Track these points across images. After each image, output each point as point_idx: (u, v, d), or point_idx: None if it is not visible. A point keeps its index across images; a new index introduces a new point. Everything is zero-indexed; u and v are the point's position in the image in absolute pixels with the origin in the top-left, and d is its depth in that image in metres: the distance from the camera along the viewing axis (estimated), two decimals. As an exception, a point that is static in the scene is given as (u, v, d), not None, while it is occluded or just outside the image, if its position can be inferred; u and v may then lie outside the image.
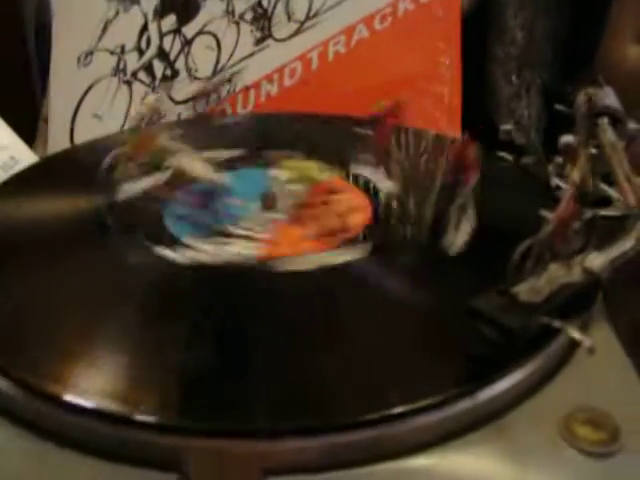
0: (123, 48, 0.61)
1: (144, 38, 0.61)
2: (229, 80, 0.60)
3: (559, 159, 0.51)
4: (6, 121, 0.51)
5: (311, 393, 0.27)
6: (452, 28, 0.59)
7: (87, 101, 0.61)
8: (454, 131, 0.58)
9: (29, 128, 0.60)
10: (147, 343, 0.29)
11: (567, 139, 0.26)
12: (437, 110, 0.59)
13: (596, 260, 0.31)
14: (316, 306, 0.31)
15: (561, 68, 0.70)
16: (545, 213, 0.26)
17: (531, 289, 0.28)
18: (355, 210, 0.39)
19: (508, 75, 0.70)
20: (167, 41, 0.61)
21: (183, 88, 0.61)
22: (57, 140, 0.59)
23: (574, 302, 0.29)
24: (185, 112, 0.60)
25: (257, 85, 0.60)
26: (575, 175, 0.26)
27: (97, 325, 0.30)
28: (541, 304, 0.27)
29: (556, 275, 0.29)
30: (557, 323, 0.26)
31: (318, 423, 0.25)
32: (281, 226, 0.37)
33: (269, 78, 0.60)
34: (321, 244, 0.35)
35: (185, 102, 0.61)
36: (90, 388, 0.26)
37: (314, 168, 0.41)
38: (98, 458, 0.25)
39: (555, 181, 0.50)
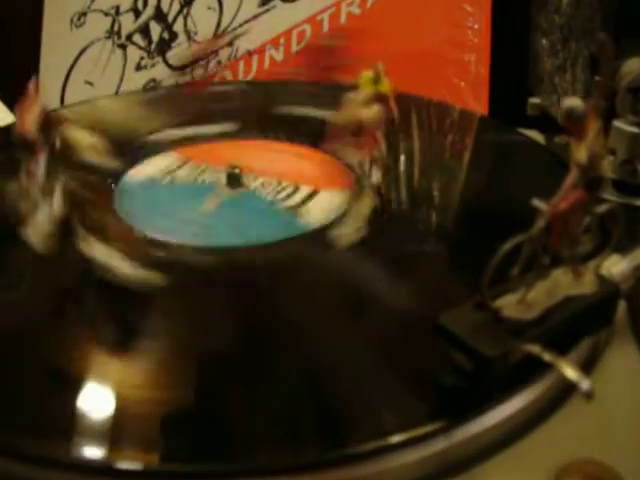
0: (118, 9, 0.56)
1: (140, -3, 0.56)
2: (230, 44, 0.55)
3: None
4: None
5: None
6: (481, -12, 0.52)
7: (79, 66, 0.56)
8: (480, 103, 0.52)
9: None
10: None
11: (572, 103, 0.19)
12: (462, 79, 0.52)
13: (616, 266, 0.24)
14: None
15: (611, 39, 0.63)
16: (538, 203, 0.19)
17: (520, 303, 0.21)
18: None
19: (552, 46, 0.63)
20: (165, 1, 0.55)
21: (181, 52, 0.56)
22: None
23: (581, 322, 0.22)
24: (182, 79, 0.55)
25: (261, 50, 0.54)
26: (581, 153, 0.19)
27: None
28: (532, 323, 0.21)
29: (559, 284, 0.22)
30: (547, 356, 0.19)
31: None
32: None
33: (274, 42, 0.54)
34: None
35: (182, 68, 0.56)
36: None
37: None
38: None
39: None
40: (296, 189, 0.33)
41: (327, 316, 0.25)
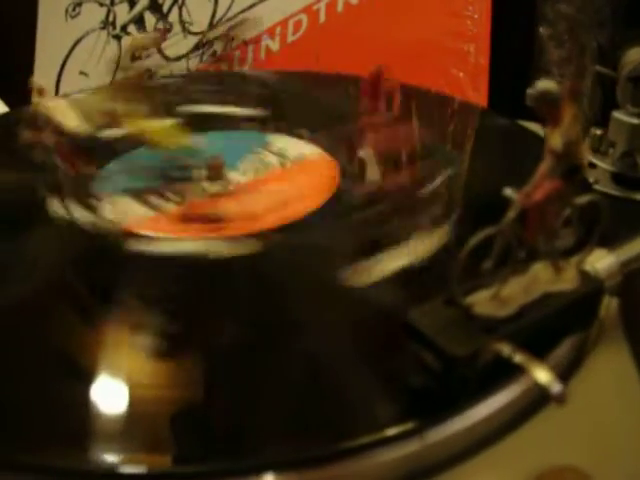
0: (113, -1, 0.55)
1: (135, -13, 0.55)
2: (226, 35, 0.54)
3: (597, 131, 0.43)
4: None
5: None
6: (482, -25, 0.50)
7: (74, 56, 0.56)
8: (479, 93, 0.50)
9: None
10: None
11: (545, 86, 0.18)
12: (460, 70, 0.51)
13: (601, 262, 0.23)
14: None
15: (620, 30, 0.62)
16: (509, 192, 0.18)
17: (494, 299, 0.20)
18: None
19: (559, 37, 0.62)
20: (160, -9, 0.55)
21: (177, 43, 0.55)
22: (41, 99, 0.54)
23: (561, 320, 0.21)
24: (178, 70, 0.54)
25: (257, 40, 0.53)
26: (556, 140, 0.18)
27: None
28: (506, 321, 0.20)
29: (538, 280, 0.21)
30: (518, 357, 0.18)
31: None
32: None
33: (270, 32, 0.53)
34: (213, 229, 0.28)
35: (179, 59, 0.55)
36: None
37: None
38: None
39: (589, 158, 0.42)
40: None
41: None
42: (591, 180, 0.39)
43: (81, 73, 0.56)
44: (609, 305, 0.28)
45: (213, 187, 0.31)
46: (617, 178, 0.39)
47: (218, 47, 0.54)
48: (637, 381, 0.25)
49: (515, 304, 0.20)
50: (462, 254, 0.18)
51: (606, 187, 0.39)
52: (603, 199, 0.21)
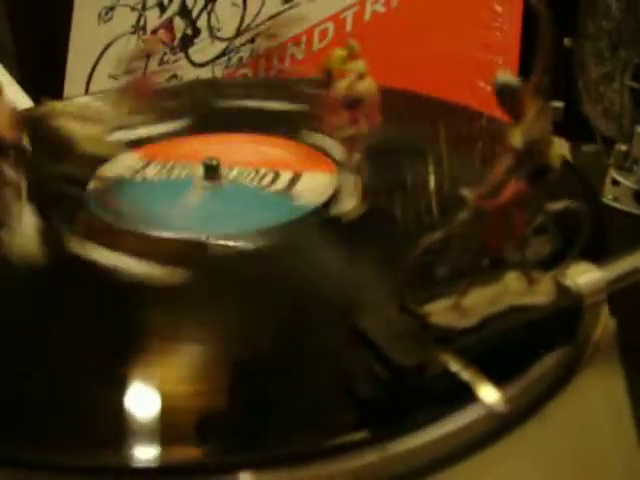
0: (144, 4, 0.56)
1: (167, -7, 0.55)
2: (252, 41, 0.54)
3: (622, 147, 0.41)
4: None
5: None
6: (513, -14, 0.49)
7: (105, 59, 0.57)
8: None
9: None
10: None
11: (505, 79, 0.16)
12: (488, 82, 0.49)
13: (584, 276, 0.21)
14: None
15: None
16: (465, 192, 0.17)
17: (454, 309, 0.19)
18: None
19: (600, 53, 0.60)
20: (190, -3, 0.55)
21: (204, 49, 0.55)
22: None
23: (531, 336, 0.20)
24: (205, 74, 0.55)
25: (282, 47, 0.53)
26: (516, 137, 0.16)
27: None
28: (466, 332, 0.18)
29: (507, 291, 0.20)
30: (465, 373, 0.16)
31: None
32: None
33: (296, 40, 0.52)
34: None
35: (205, 65, 0.55)
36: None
37: None
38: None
39: (613, 175, 0.40)
40: (277, 175, 0.32)
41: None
42: (609, 197, 0.37)
43: (110, 76, 0.56)
44: (606, 326, 0.26)
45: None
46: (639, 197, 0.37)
47: (245, 53, 0.54)
48: (627, 407, 0.24)
49: (477, 315, 0.19)
50: (412, 258, 0.17)
51: (627, 205, 0.37)
52: (584, 207, 0.19)
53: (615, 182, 0.38)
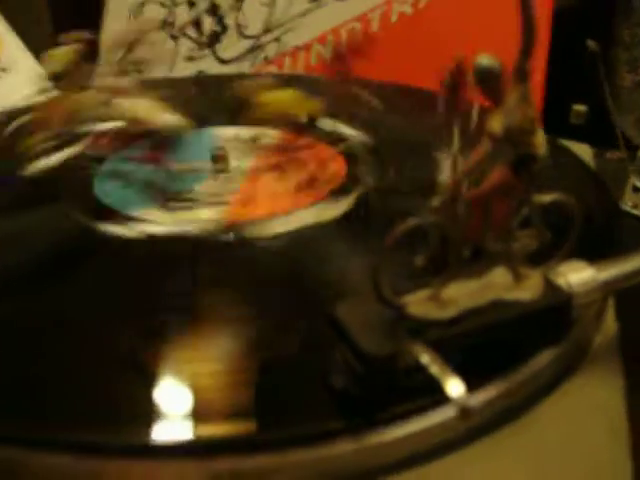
0: (175, 0, 0.56)
1: (196, -11, 0.56)
2: (277, 39, 0.54)
3: (645, 154, 0.39)
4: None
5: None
6: (543, -11, 0.48)
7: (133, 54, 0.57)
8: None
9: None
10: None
11: (487, 62, 0.16)
12: (513, 87, 0.48)
13: (577, 274, 0.20)
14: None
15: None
16: (443, 178, 0.16)
17: (433, 300, 0.18)
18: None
19: (634, 62, 0.59)
20: (219, -6, 0.55)
21: (230, 46, 0.55)
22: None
23: (514, 333, 0.19)
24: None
25: (308, 47, 0.52)
26: (495, 122, 0.16)
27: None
28: (444, 324, 0.18)
29: (492, 285, 0.19)
30: (434, 367, 0.16)
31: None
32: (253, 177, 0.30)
33: (322, 39, 0.52)
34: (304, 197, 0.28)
35: (230, 61, 0.55)
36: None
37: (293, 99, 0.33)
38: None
39: (634, 182, 0.39)
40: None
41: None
42: (629, 204, 0.36)
43: (138, 71, 0.57)
44: (608, 331, 0.25)
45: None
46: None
47: (271, 52, 0.54)
48: (623, 419, 0.23)
49: (456, 307, 0.18)
50: (386, 246, 0.16)
51: (645, 210, 0.35)
52: (574, 200, 0.19)
53: (636, 189, 0.37)
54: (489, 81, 0.16)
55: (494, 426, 0.20)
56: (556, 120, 0.44)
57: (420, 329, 0.18)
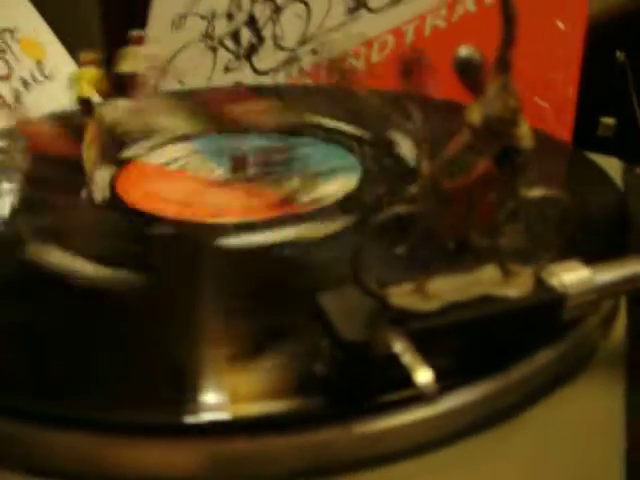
0: (214, 13, 0.58)
1: (235, 3, 0.57)
2: (314, 52, 0.54)
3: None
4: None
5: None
6: (578, 3, 0.48)
7: (173, 66, 0.59)
8: (564, 127, 0.47)
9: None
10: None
11: (467, 53, 0.16)
12: (546, 99, 0.48)
13: (572, 274, 0.20)
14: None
15: None
16: (424, 164, 0.16)
17: (416, 292, 0.18)
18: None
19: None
20: (258, 7, 0.57)
21: (267, 57, 0.56)
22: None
23: (500, 331, 0.19)
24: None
25: (342, 59, 0.53)
26: (474, 112, 0.16)
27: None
28: (426, 317, 0.18)
29: (479, 279, 0.19)
30: (407, 357, 0.16)
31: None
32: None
33: (355, 52, 0.53)
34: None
35: (266, 73, 0.56)
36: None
37: None
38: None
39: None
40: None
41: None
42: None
43: (179, 82, 0.58)
44: (615, 332, 0.25)
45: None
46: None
47: (306, 63, 0.55)
48: (621, 427, 0.22)
49: (440, 300, 0.18)
50: (365, 235, 0.17)
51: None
52: (567, 196, 0.18)
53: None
54: (469, 72, 0.17)
55: (483, 426, 0.19)
56: (584, 132, 0.43)
57: (402, 320, 0.18)
